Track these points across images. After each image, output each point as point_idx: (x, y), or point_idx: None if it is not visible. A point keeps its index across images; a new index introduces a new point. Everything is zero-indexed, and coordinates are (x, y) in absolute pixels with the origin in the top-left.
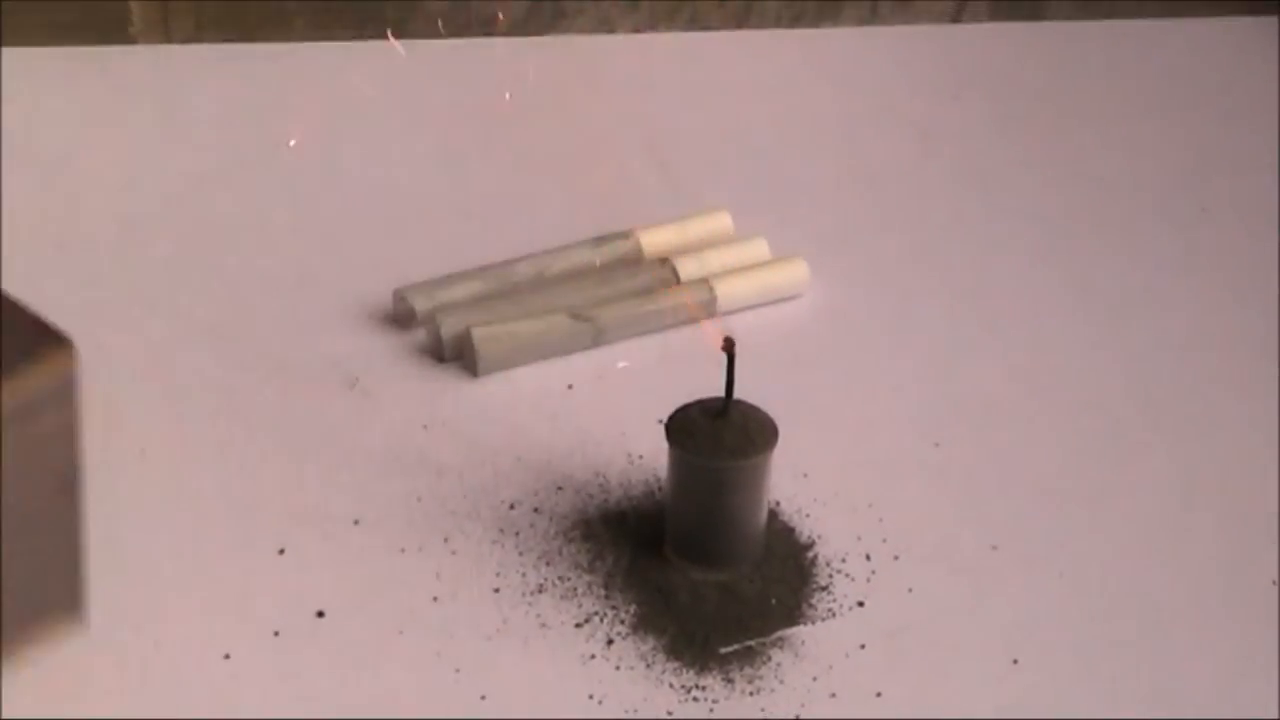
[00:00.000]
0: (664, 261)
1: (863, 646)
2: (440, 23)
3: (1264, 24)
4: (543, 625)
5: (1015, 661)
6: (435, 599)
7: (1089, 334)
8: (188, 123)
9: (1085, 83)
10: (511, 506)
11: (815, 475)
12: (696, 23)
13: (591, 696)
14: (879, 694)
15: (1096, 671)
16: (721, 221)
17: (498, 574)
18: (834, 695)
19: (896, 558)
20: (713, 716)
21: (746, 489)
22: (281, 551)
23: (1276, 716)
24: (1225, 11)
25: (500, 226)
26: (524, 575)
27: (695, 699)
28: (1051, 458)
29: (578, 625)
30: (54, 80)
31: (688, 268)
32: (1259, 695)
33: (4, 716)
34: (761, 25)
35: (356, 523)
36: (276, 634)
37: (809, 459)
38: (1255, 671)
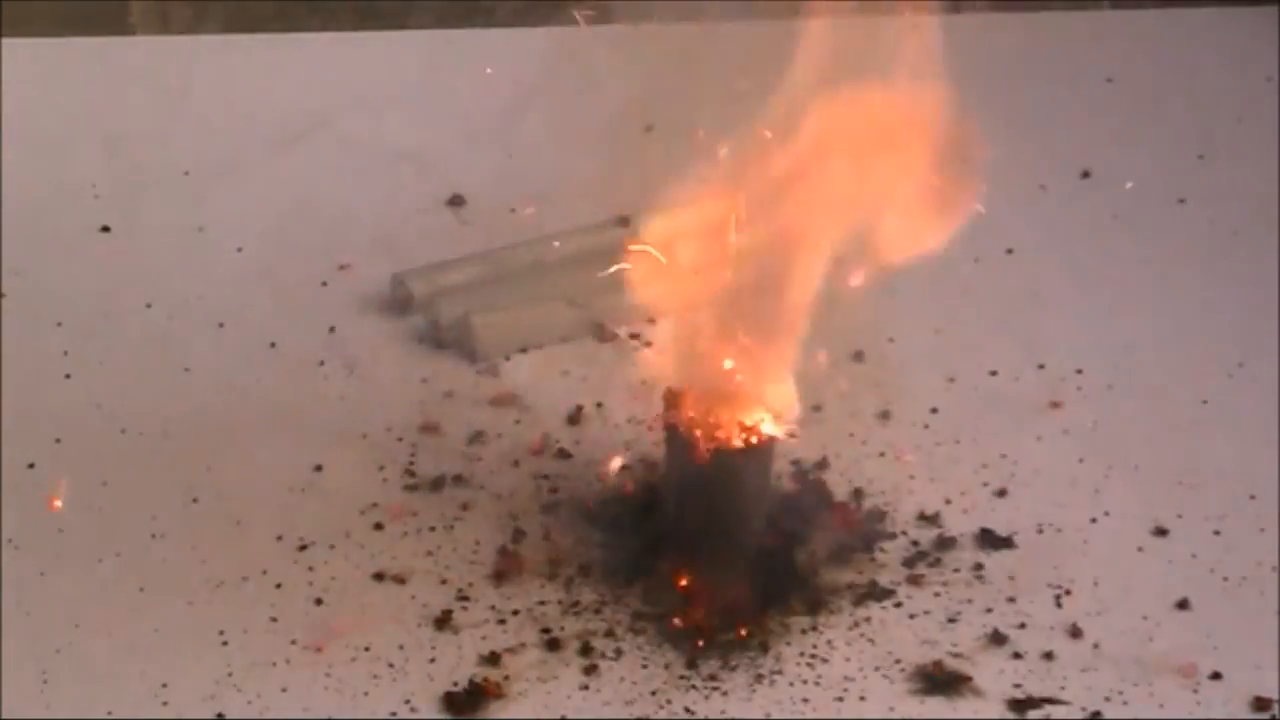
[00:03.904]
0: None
1: (862, 634)
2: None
3: (1264, 14)
4: (541, 613)
5: (1016, 655)
6: (441, 581)
7: (1087, 322)
8: (187, 113)
9: (1083, 72)
10: (511, 493)
11: (822, 465)
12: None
13: (588, 687)
14: (884, 676)
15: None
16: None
17: (497, 560)
18: (835, 683)
19: (896, 542)
20: (711, 704)
21: (747, 477)
22: (279, 538)
23: None
24: (1225, 1)
25: (499, 212)
26: (525, 558)
27: (695, 687)
28: (1051, 449)
29: (575, 613)
30: (54, 71)
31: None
32: None
33: (4, 716)
34: (767, 15)
35: (356, 509)
36: (274, 620)
37: (811, 448)
38: None
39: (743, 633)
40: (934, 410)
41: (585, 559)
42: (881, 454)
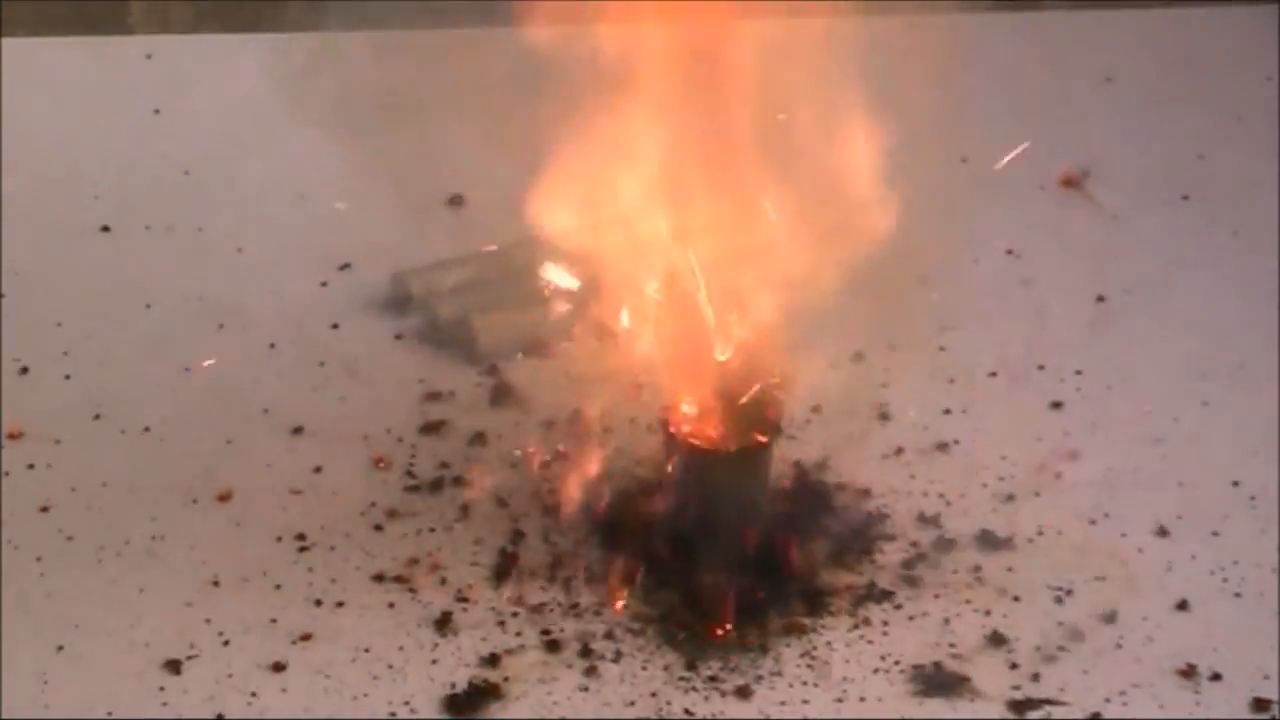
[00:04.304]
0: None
1: (862, 636)
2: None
3: (1264, 14)
4: (542, 613)
5: (1016, 656)
6: (441, 582)
7: (1087, 322)
8: (186, 112)
9: (1083, 72)
10: (511, 495)
11: (821, 466)
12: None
13: (587, 689)
14: (884, 678)
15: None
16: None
17: (497, 559)
18: (835, 684)
19: (896, 543)
20: (711, 705)
21: (746, 477)
22: (279, 539)
23: None
24: (1225, 1)
25: (498, 212)
26: (524, 560)
27: (695, 689)
28: (1051, 450)
29: (576, 614)
30: (54, 71)
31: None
32: None
33: (4, 717)
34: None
35: (356, 509)
36: (274, 620)
37: (812, 449)
38: None
39: (738, 634)
40: (934, 411)
41: (585, 561)
42: (882, 455)
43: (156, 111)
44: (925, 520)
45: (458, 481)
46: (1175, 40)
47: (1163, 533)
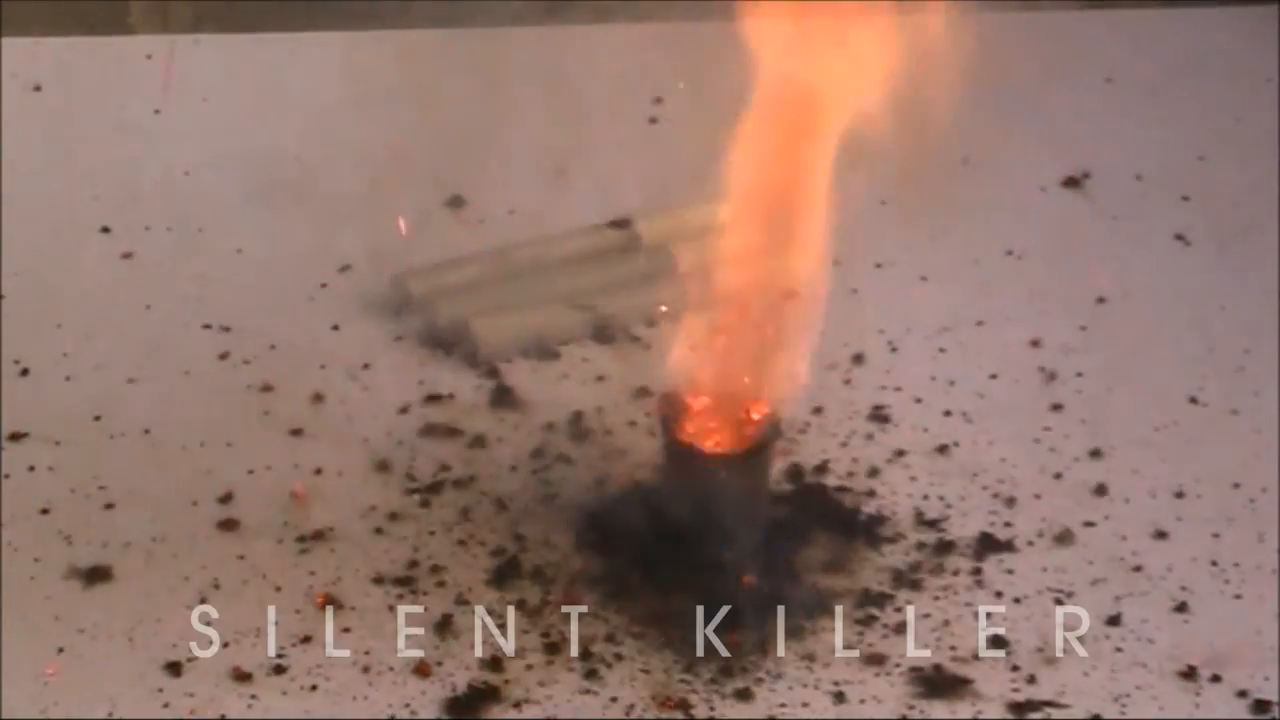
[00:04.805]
0: (662, 249)
1: (861, 638)
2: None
3: (1264, 14)
4: (541, 616)
5: (1016, 658)
6: (440, 585)
7: (1087, 322)
8: (186, 113)
9: (1083, 72)
10: (511, 497)
11: (822, 469)
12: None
13: (586, 691)
14: (884, 679)
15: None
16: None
17: (496, 564)
18: (835, 687)
19: (896, 545)
20: (711, 704)
21: (745, 480)
22: (280, 541)
23: None
24: (1225, 1)
25: (499, 212)
26: (522, 564)
27: (695, 690)
28: (1051, 452)
29: (576, 616)
30: (54, 71)
31: (686, 255)
32: None
33: (4, 717)
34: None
35: (356, 512)
36: (276, 624)
37: (811, 451)
38: None
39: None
40: (935, 413)
41: (585, 563)
42: (883, 458)
43: (156, 111)
44: (925, 522)
45: (458, 484)
46: (1175, 40)
47: (1162, 535)
